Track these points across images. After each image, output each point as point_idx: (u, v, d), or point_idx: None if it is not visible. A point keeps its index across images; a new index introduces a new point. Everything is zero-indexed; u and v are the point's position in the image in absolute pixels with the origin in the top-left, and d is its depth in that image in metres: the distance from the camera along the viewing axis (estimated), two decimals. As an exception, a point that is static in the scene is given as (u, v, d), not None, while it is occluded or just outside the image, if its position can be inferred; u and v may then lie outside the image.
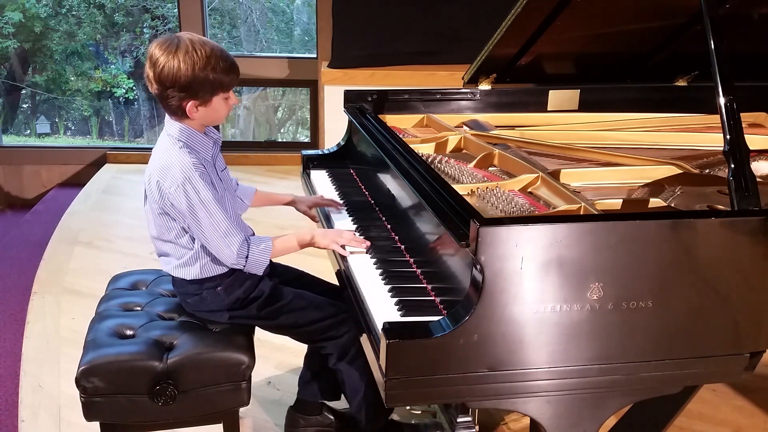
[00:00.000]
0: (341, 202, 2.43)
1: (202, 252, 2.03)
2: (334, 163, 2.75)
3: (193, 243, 2.03)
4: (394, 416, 2.39)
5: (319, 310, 2.12)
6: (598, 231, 1.54)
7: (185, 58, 1.86)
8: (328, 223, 2.33)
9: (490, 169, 2.27)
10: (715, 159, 2.26)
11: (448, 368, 1.53)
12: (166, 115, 2.01)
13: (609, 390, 1.66)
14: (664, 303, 1.58)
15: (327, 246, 2.09)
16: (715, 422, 2.62)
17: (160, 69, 1.87)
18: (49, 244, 4.26)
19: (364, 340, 1.74)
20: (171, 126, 1.99)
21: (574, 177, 2.12)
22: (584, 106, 2.80)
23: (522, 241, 1.49)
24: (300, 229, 2.18)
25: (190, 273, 2.06)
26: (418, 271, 1.90)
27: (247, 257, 1.98)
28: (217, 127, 2.13)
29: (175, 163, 1.92)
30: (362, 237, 2.09)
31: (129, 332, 2.07)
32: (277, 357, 2.94)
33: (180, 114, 1.95)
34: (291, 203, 2.43)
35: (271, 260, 2.18)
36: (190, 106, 1.92)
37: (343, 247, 2.05)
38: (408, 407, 2.38)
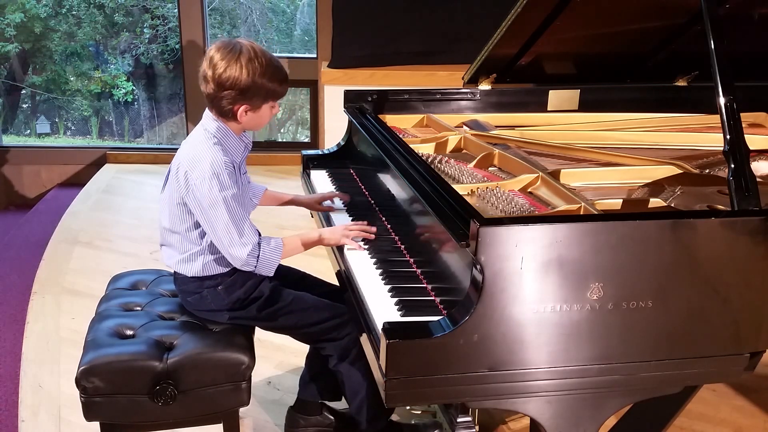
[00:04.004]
0: (341, 202, 2.43)
1: (207, 250, 2.05)
2: (334, 163, 2.75)
3: (201, 240, 2.04)
4: (394, 416, 2.39)
5: (320, 312, 2.12)
6: (598, 231, 1.54)
7: (247, 65, 1.92)
8: (328, 222, 2.34)
9: (490, 169, 2.27)
10: (715, 159, 2.26)
11: (448, 368, 1.53)
12: (206, 110, 2.05)
13: (609, 390, 1.66)
14: (664, 303, 1.58)
15: (337, 242, 2.08)
16: (715, 422, 2.62)
17: (222, 71, 1.92)
18: (49, 244, 4.26)
19: (364, 340, 1.74)
20: (209, 122, 2.03)
21: (574, 177, 2.11)
22: (584, 106, 2.80)
23: (522, 241, 1.49)
24: (302, 229, 2.18)
25: (192, 269, 2.07)
26: (418, 271, 1.90)
27: (258, 257, 1.99)
28: None
29: (206, 156, 1.96)
30: (361, 241, 2.09)
31: (129, 332, 2.07)
32: (277, 357, 2.94)
33: (228, 116, 2.00)
34: (298, 203, 2.44)
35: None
36: (241, 110, 1.98)
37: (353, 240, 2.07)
38: (408, 407, 2.38)
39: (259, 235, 2.03)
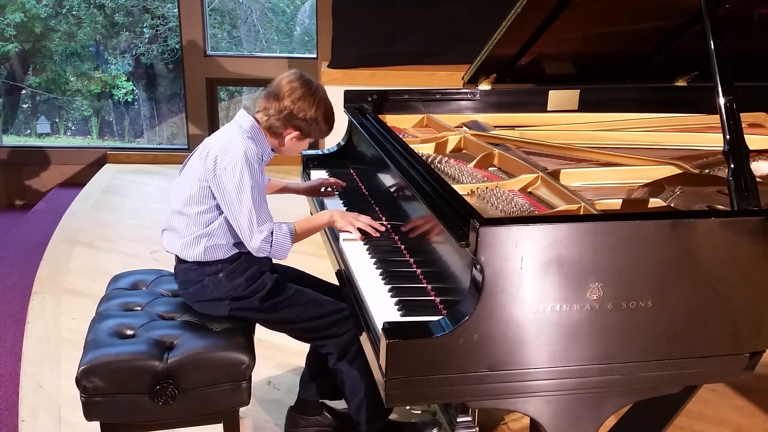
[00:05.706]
0: (341, 202, 2.43)
1: (211, 234, 2.08)
2: (334, 163, 2.75)
3: (208, 225, 2.08)
4: (394, 416, 2.39)
5: (321, 307, 2.14)
6: (598, 231, 1.54)
7: (319, 103, 2.12)
8: (322, 209, 2.40)
9: (490, 169, 2.27)
10: (715, 159, 2.26)
11: (448, 368, 1.53)
12: (241, 111, 2.15)
13: (609, 390, 1.66)
14: (664, 303, 1.58)
15: (343, 227, 2.13)
16: (715, 422, 2.62)
17: (297, 97, 2.09)
18: (49, 244, 4.26)
19: (364, 340, 1.74)
20: (244, 119, 2.12)
21: (574, 177, 2.12)
22: (584, 106, 2.80)
23: (522, 241, 1.49)
24: (295, 216, 2.21)
25: (194, 253, 2.09)
26: (418, 271, 1.90)
27: (271, 243, 2.03)
28: None
29: (240, 145, 2.05)
30: (364, 240, 2.09)
31: (129, 332, 2.07)
32: (277, 357, 2.94)
33: (275, 132, 2.14)
34: (291, 190, 2.52)
35: (271, 260, 2.19)
36: (292, 135, 2.14)
37: (359, 230, 2.10)
38: (408, 407, 2.39)
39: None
